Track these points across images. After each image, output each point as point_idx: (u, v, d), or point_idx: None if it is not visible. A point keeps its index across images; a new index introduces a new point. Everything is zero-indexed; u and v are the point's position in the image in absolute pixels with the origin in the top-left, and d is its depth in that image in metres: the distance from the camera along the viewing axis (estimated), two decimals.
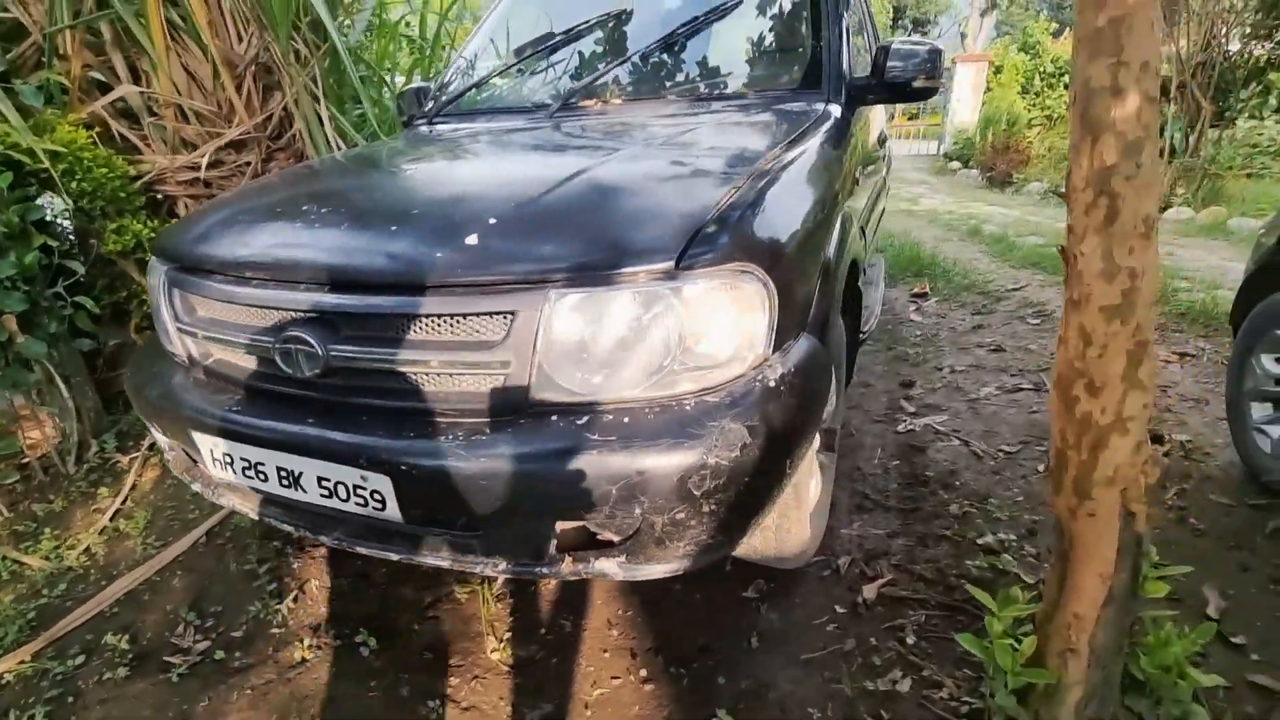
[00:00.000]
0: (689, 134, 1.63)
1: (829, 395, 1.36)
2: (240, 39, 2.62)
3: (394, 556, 1.21)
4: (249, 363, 1.28)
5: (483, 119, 2.16)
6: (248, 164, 2.72)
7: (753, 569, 1.70)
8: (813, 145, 1.54)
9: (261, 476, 1.22)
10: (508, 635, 1.57)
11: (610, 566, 1.11)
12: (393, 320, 1.11)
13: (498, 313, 1.05)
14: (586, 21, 2.13)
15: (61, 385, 2.24)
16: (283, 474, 1.19)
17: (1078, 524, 1.06)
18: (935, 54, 1.89)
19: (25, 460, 2.26)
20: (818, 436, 1.58)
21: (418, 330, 1.10)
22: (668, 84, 2.03)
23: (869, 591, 1.66)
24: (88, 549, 1.95)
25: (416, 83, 3.08)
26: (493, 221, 1.14)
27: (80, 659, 1.56)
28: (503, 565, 1.14)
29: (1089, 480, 1.04)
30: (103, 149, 2.32)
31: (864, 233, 2.01)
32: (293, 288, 1.18)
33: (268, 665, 1.52)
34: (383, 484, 1.08)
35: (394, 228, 1.19)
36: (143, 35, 2.41)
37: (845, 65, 1.94)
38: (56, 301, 2.19)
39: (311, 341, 1.14)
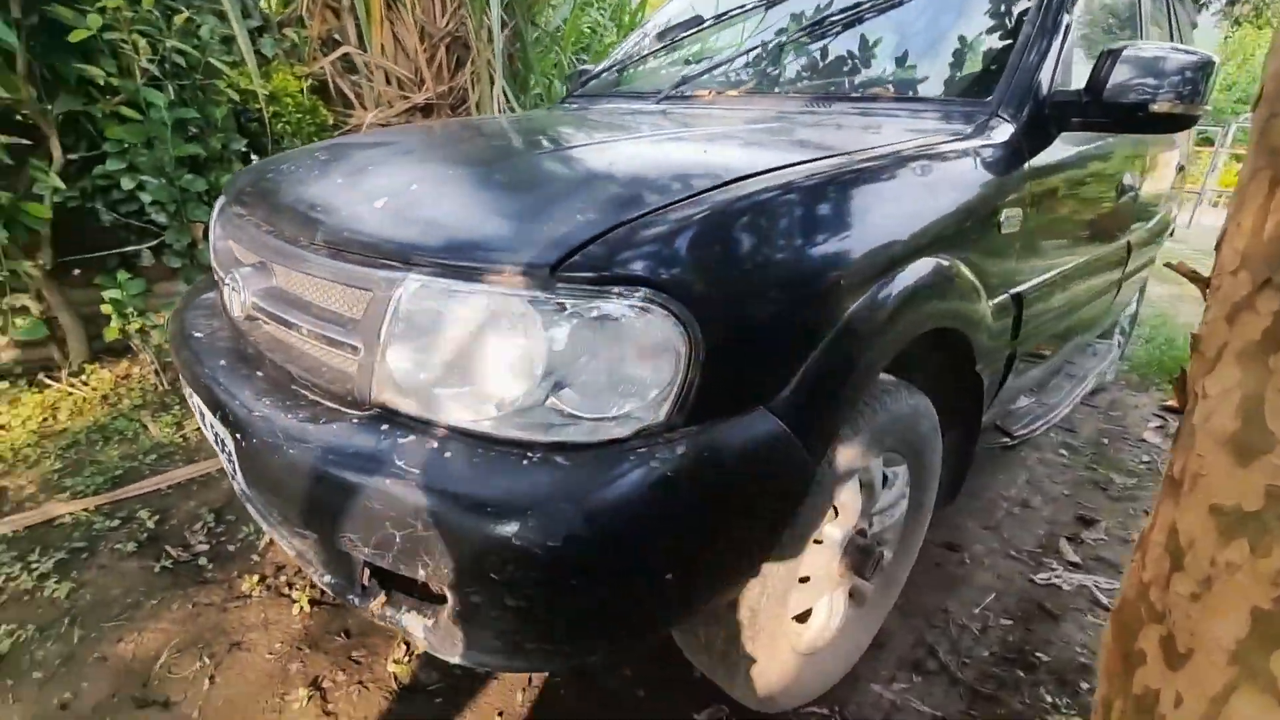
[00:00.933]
0: (743, 131, 1.30)
1: (803, 504, 0.96)
2: (443, 13, 2.83)
3: (264, 526, 1.12)
4: (225, 295, 1.29)
5: (603, 101, 2.02)
6: None
7: (717, 691, 1.32)
8: (908, 159, 1.12)
9: (194, 405, 1.21)
10: (419, 652, 1.41)
11: (416, 627, 0.88)
12: (289, 273, 1.01)
13: (359, 288, 0.89)
14: (728, 12, 1.87)
15: None
16: (200, 409, 1.17)
17: None
18: (1202, 66, 1.29)
19: None
20: (836, 554, 1.17)
21: (305, 287, 0.99)
22: (788, 78, 1.67)
23: None
24: (189, 432, 2.24)
25: (587, 66, 3.07)
26: (413, 188, 0.98)
27: (115, 524, 1.77)
28: (325, 579, 0.97)
29: None
30: (308, 98, 2.66)
31: (1018, 304, 1.45)
32: (253, 226, 1.15)
33: (220, 587, 1.57)
34: (230, 443, 0.99)
35: (340, 180, 1.09)
36: (361, 4, 2.71)
37: (1043, 74, 1.41)
38: None
39: (242, 281, 1.09)
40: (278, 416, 0.93)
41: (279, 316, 1.03)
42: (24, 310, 2.36)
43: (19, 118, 2.19)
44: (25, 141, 2.14)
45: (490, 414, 0.81)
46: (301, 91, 2.65)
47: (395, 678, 1.35)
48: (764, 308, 0.86)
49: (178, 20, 2.26)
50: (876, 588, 1.43)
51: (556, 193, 0.93)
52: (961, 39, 1.53)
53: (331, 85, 2.93)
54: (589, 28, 3.57)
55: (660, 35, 2.09)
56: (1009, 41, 1.45)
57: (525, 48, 3.03)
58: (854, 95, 1.54)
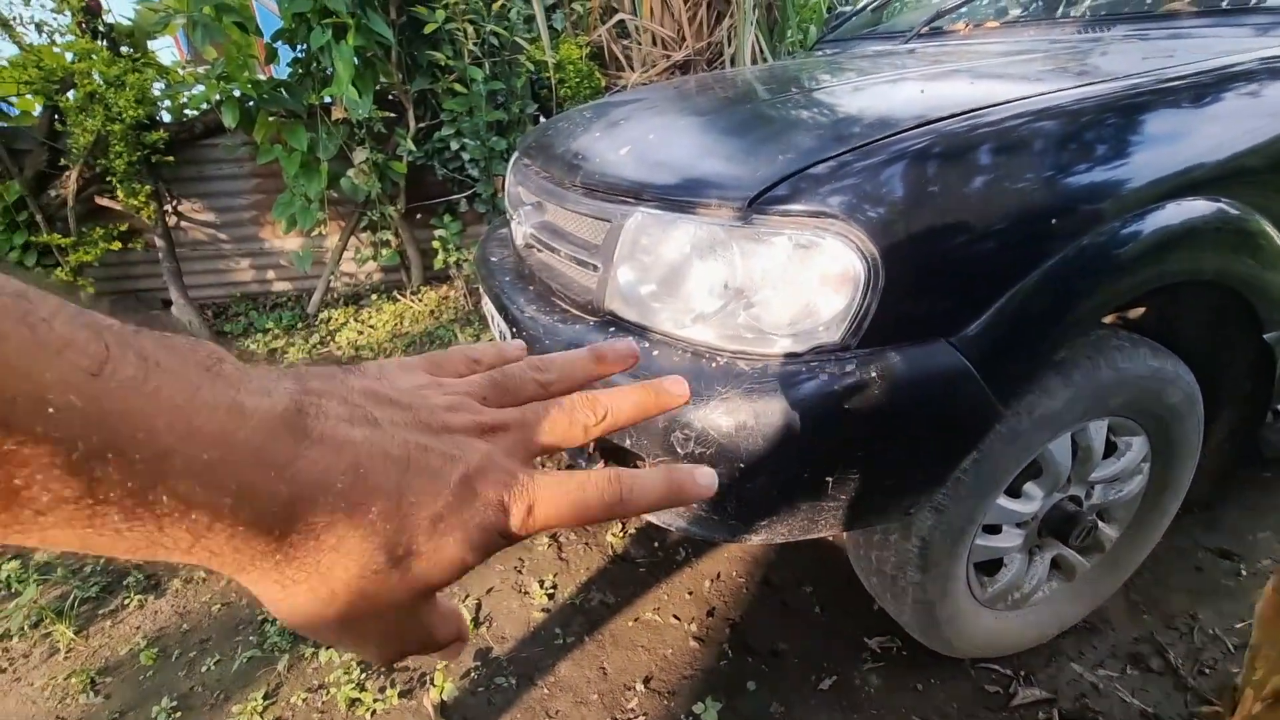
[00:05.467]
0: (989, 65, 1.23)
1: (983, 446, 0.97)
2: None
3: None
4: (512, 228, 1.65)
5: (851, 45, 2.00)
6: None
7: (894, 623, 1.38)
8: (1176, 86, 0.99)
9: (489, 312, 1.61)
10: (634, 531, 1.70)
11: None
12: (557, 209, 1.29)
13: (603, 218, 1.12)
14: None
15: None
16: (491, 314, 1.55)
17: None
18: None
19: None
20: (1034, 512, 1.14)
21: (565, 220, 1.26)
22: (1049, 3, 1.49)
23: None
24: (485, 342, 2.85)
25: (846, 8, 2.96)
26: (650, 137, 1.17)
27: None
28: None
29: None
30: (586, 63, 3.05)
31: None
32: (534, 173, 1.47)
33: None
34: (509, 336, 1.33)
35: (597, 134, 1.34)
36: None
37: None
38: None
39: (524, 216, 1.42)
40: (540, 318, 1.22)
41: (547, 244, 1.32)
42: (386, 243, 3.19)
43: (390, 97, 2.93)
44: (392, 115, 2.86)
45: (688, 323, 0.98)
46: (581, 59, 3.05)
47: (612, 546, 1.66)
48: (953, 245, 0.88)
49: (496, 7, 2.77)
50: (1095, 565, 1.32)
51: (765, 136, 1.04)
52: None
53: (606, 51, 3.30)
54: None
55: None
56: None
57: None
58: (1141, 14, 1.34)
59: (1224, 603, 1.46)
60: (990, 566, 1.24)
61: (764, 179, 0.90)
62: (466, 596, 1.50)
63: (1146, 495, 1.27)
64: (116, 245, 2.86)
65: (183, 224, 3.10)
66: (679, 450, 0.94)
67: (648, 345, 1.01)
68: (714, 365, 0.94)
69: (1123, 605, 1.44)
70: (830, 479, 0.92)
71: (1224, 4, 1.25)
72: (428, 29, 2.65)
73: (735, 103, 1.31)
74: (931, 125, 0.91)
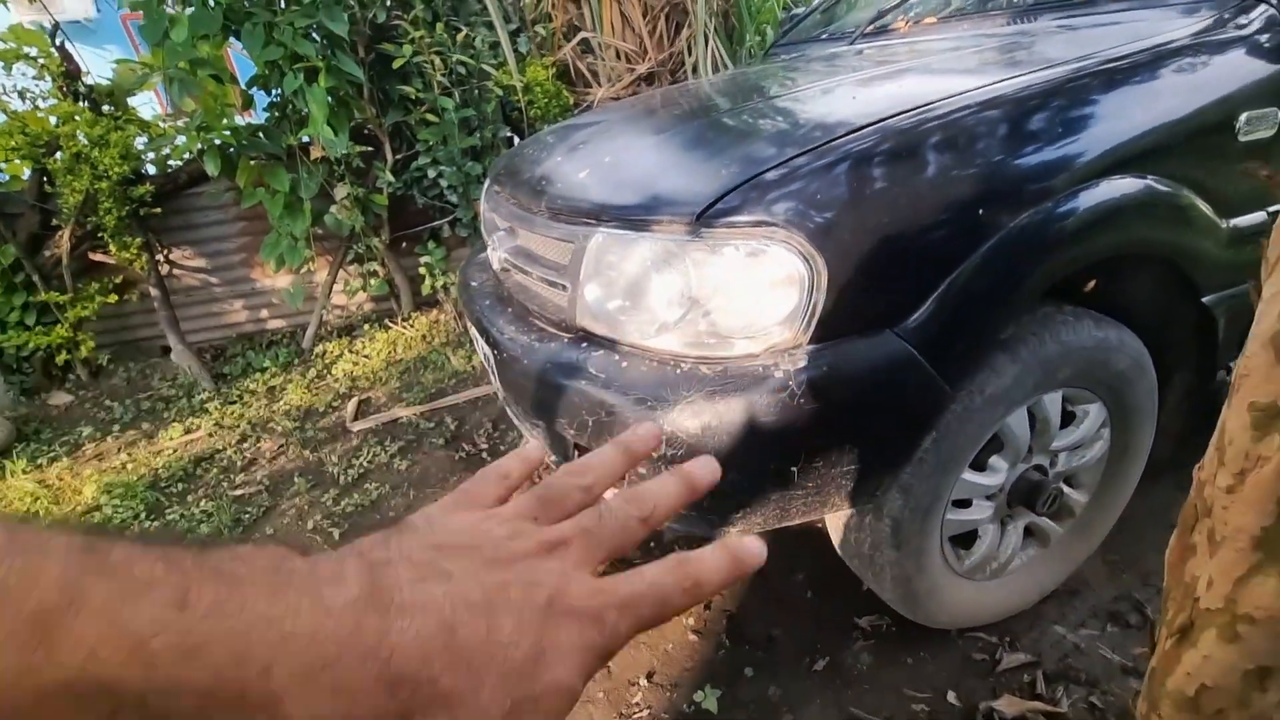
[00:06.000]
0: (920, 63, 1.30)
1: (938, 426, 1.03)
2: None
3: (518, 424, 1.53)
4: (489, 254, 1.72)
5: (801, 49, 2.07)
6: None
7: (882, 602, 1.44)
8: (1097, 71, 1.05)
9: (472, 335, 1.68)
10: None
11: (607, 492, 1.18)
12: (527, 234, 1.36)
13: (568, 240, 1.18)
14: None
15: None
16: (474, 336, 1.61)
17: None
18: None
19: None
20: (1000, 484, 1.20)
21: (535, 243, 1.32)
22: None
23: (1007, 709, 1.22)
24: (476, 364, 2.92)
25: (799, 9, 3.03)
26: (606, 160, 1.24)
27: (432, 425, 2.45)
28: (552, 459, 1.33)
29: (1158, 686, 0.61)
30: (554, 83, 3.13)
31: None
32: (505, 200, 1.53)
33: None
34: (492, 358, 1.39)
35: (559, 158, 1.40)
36: None
37: None
38: None
39: (498, 242, 1.48)
40: (519, 338, 1.29)
41: (520, 267, 1.39)
42: (374, 274, 3.26)
43: (365, 132, 3.00)
44: (369, 149, 2.94)
45: (653, 334, 1.05)
46: (549, 79, 3.13)
47: None
48: (890, 240, 0.95)
49: (460, 38, 2.85)
50: (1067, 530, 1.38)
51: (711, 152, 1.11)
52: None
53: (572, 68, 3.38)
54: None
55: None
56: None
57: (738, 3, 3.12)
58: (1066, 2, 1.40)
59: None
60: (966, 539, 1.30)
61: (709, 194, 0.97)
62: None
63: (1110, 459, 1.33)
64: (113, 298, 2.93)
65: (175, 271, 3.17)
66: (655, 460, 1.00)
67: (618, 358, 1.08)
68: (678, 371, 1.00)
69: (1101, 566, 1.50)
70: (794, 469, 0.99)
71: None
72: (396, 64, 2.73)
73: (685, 119, 1.37)
74: (861, 129, 0.98)
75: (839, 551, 1.33)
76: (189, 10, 2.39)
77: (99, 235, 2.82)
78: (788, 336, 0.96)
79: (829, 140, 0.97)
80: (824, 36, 2.07)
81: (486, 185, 1.83)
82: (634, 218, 1.05)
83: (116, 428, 2.65)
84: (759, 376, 0.95)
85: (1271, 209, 1.21)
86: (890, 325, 0.96)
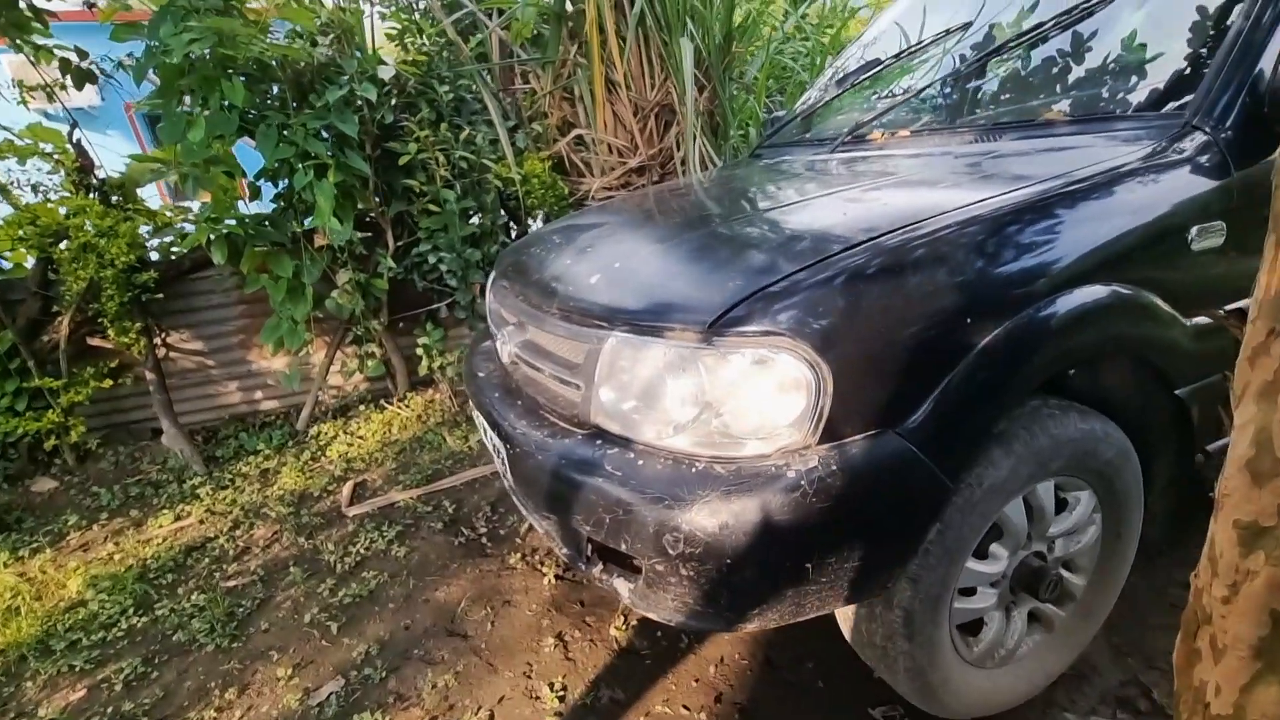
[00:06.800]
0: (905, 178, 1.42)
1: (941, 519, 1.08)
2: (652, 87, 3.29)
3: (524, 513, 1.55)
4: (497, 345, 1.78)
5: (785, 152, 2.23)
6: (642, 185, 3.41)
7: (895, 691, 1.44)
8: (1067, 191, 1.17)
9: (479, 425, 1.71)
10: (636, 622, 1.75)
11: (623, 589, 1.20)
12: (537, 331, 1.42)
13: (581, 341, 1.25)
14: (899, 54, 1.97)
15: None
16: (483, 427, 1.65)
17: None
18: None
19: None
20: (1003, 571, 1.24)
21: (546, 341, 1.39)
22: (962, 113, 1.72)
23: None
24: (473, 444, 2.93)
25: (780, 112, 3.27)
26: (616, 266, 1.33)
27: (430, 509, 2.44)
28: (563, 550, 1.35)
29: None
30: (550, 175, 3.30)
31: (1239, 319, 1.32)
32: (512, 295, 1.61)
33: (495, 560, 2.09)
34: (503, 451, 1.42)
35: (567, 261, 1.49)
36: (588, 91, 3.28)
37: (1261, 66, 1.30)
38: None
39: (507, 336, 1.55)
40: (531, 433, 1.33)
41: (531, 362, 1.44)
42: (371, 355, 3.30)
43: (366, 219, 3.12)
44: (369, 235, 3.05)
45: (668, 433, 1.10)
46: (545, 171, 3.29)
47: (616, 640, 1.70)
48: (890, 347, 1.02)
49: (462, 136, 3.02)
50: (1069, 614, 1.41)
51: (715, 263, 1.20)
52: (1150, 46, 1.46)
53: (566, 161, 3.57)
54: (783, 67, 3.79)
55: (839, 83, 2.24)
56: (1204, 50, 1.36)
57: (723, 104, 3.36)
58: (1026, 122, 1.56)
59: None
60: (973, 627, 1.32)
61: (719, 304, 1.04)
62: (479, 709, 1.53)
63: (1104, 543, 1.38)
64: (108, 383, 2.93)
65: (171, 354, 3.18)
66: (670, 551, 1.03)
67: (633, 456, 1.12)
68: (693, 470, 1.05)
69: (1106, 650, 1.52)
70: (809, 564, 1.02)
71: (1089, 114, 1.47)
72: (402, 160, 2.87)
73: (686, 228, 1.47)
74: (856, 246, 1.07)
75: (850, 642, 1.34)
76: (207, 113, 2.52)
77: (99, 321, 2.85)
78: (797, 438, 1.01)
79: (827, 256, 1.06)
80: (805, 139, 2.24)
81: (493, 279, 1.91)
82: (647, 324, 1.12)
83: (104, 515, 2.60)
84: (772, 476, 0.99)
85: (1227, 307, 1.32)
86: (892, 425, 1.03)
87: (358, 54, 2.87)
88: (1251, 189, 1.28)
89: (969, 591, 1.27)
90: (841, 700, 1.48)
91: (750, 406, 1.03)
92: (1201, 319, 1.28)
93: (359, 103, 2.76)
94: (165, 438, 3.00)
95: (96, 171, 2.90)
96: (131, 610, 1.99)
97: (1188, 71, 1.37)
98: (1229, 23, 1.34)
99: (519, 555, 2.08)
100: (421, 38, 3.42)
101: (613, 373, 1.17)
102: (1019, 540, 1.26)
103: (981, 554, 1.25)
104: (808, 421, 1.00)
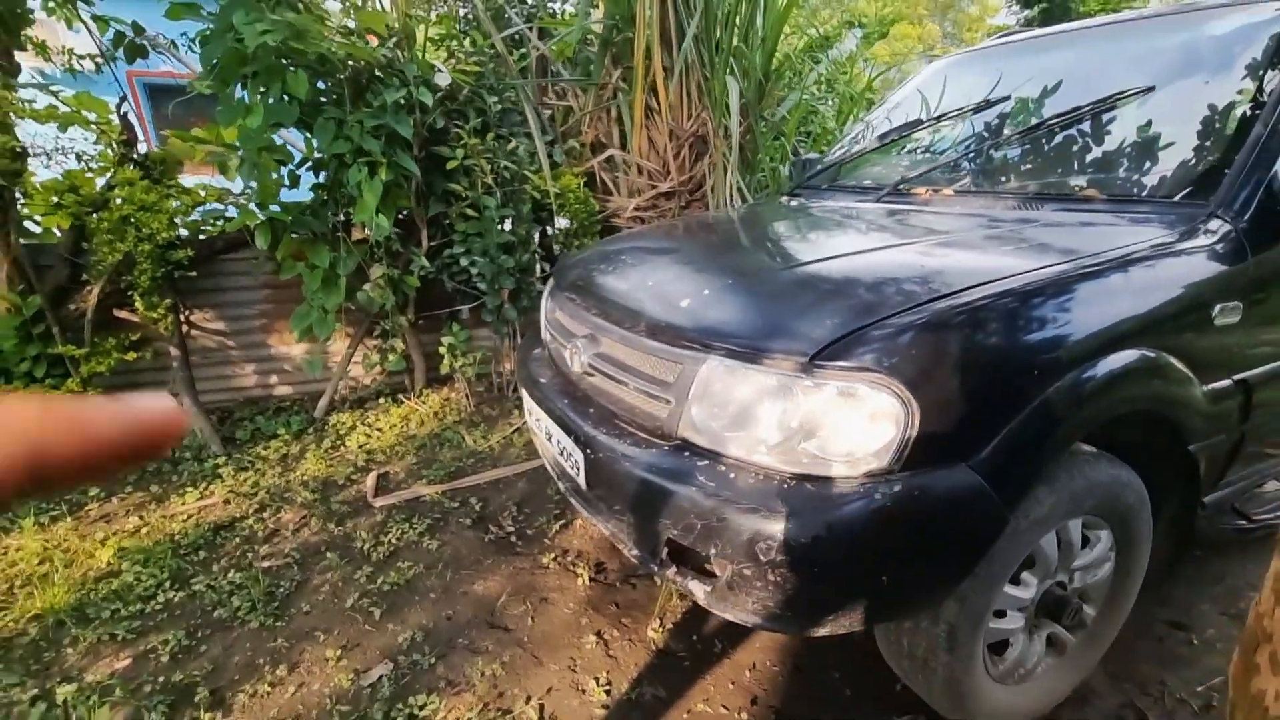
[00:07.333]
0: (964, 238, 1.58)
1: (995, 545, 1.21)
2: (689, 117, 3.44)
3: (586, 515, 1.64)
4: (559, 352, 1.88)
5: (827, 196, 2.39)
6: (669, 210, 3.56)
7: (921, 701, 1.56)
8: (1114, 264, 1.33)
9: (541, 429, 1.80)
10: (671, 625, 1.85)
11: (698, 590, 1.31)
12: (618, 345, 1.53)
13: (674, 361, 1.36)
14: (944, 114, 2.15)
15: (520, 339, 3.44)
16: (549, 431, 1.74)
17: None
18: None
19: (493, 380, 3.56)
20: (1031, 597, 1.38)
21: (629, 357, 1.50)
22: (1002, 179, 1.90)
23: None
24: (493, 444, 3.00)
25: (810, 155, 3.46)
26: (705, 293, 1.45)
27: (456, 505, 2.50)
28: (635, 553, 1.45)
29: None
30: (584, 191, 3.42)
31: (1244, 389, 1.51)
32: (583, 309, 1.71)
33: (527, 559, 2.17)
34: (579, 456, 1.52)
35: (650, 282, 1.61)
36: (628, 115, 3.42)
37: (1277, 168, 1.50)
38: (529, 286, 3.36)
39: (580, 347, 1.65)
40: (614, 441, 1.43)
41: (609, 374, 1.55)
42: (394, 349, 3.35)
43: (400, 217, 3.18)
44: (400, 231, 3.11)
45: (759, 452, 1.22)
46: (579, 187, 3.41)
47: (654, 641, 1.80)
48: (968, 391, 1.16)
49: (509, 146, 3.12)
50: (1079, 640, 1.56)
51: (812, 300, 1.32)
52: (1180, 140, 1.65)
53: (598, 178, 3.69)
54: (812, 110, 4.00)
55: (881, 136, 2.41)
56: (1232, 143, 1.55)
57: (755, 139, 3.53)
58: (1064, 196, 1.74)
59: (1183, 669, 1.71)
60: (999, 647, 1.46)
61: (820, 340, 1.17)
62: (529, 698, 1.60)
63: (1115, 578, 1.54)
64: (133, 355, 2.92)
65: (193, 332, 3.19)
66: (761, 558, 1.14)
67: (724, 469, 1.24)
68: (785, 486, 1.17)
69: (1103, 677, 1.67)
70: (885, 578, 1.15)
71: (1124, 194, 1.66)
72: (450, 165, 2.95)
73: (774, 261, 1.60)
74: (945, 297, 1.21)
75: (884, 652, 1.47)
76: (270, 100, 2.58)
77: (128, 293, 2.85)
78: (883, 464, 1.14)
79: (917, 304, 1.20)
80: (844, 186, 2.40)
81: (551, 289, 2.02)
82: (747, 351, 1.24)
83: (124, 488, 2.59)
84: (860, 496, 1.12)
85: (1236, 376, 1.50)
86: (964, 459, 1.16)
87: (414, 59, 2.96)
88: (1264, 273, 1.47)
89: (1000, 614, 1.41)
90: (866, 708, 1.60)
91: (842, 433, 1.16)
92: (1216, 384, 1.46)
93: (413, 105, 2.84)
94: None
95: (139, 145, 2.91)
96: (168, 584, 2.01)
97: (1214, 166, 1.56)
98: (1252, 127, 1.54)
99: (551, 556, 2.16)
100: (468, 45, 3.52)
101: (707, 393, 1.29)
102: (1049, 570, 1.40)
103: (1015, 580, 1.39)
104: (893, 450, 1.13)
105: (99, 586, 2.00)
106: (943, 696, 1.39)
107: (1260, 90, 1.59)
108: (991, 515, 1.18)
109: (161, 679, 1.65)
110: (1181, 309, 1.39)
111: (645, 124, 3.48)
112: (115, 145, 2.81)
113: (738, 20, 3.40)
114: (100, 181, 2.87)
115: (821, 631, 1.22)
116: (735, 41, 3.34)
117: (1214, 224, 1.47)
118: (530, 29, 3.61)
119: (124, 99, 2.87)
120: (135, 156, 2.87)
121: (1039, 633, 1.50)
